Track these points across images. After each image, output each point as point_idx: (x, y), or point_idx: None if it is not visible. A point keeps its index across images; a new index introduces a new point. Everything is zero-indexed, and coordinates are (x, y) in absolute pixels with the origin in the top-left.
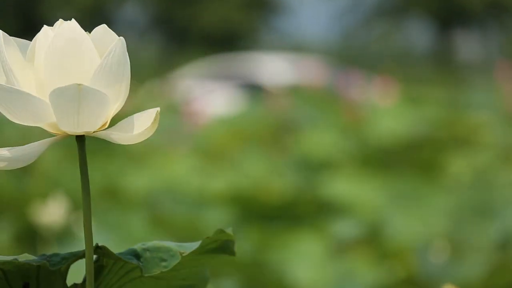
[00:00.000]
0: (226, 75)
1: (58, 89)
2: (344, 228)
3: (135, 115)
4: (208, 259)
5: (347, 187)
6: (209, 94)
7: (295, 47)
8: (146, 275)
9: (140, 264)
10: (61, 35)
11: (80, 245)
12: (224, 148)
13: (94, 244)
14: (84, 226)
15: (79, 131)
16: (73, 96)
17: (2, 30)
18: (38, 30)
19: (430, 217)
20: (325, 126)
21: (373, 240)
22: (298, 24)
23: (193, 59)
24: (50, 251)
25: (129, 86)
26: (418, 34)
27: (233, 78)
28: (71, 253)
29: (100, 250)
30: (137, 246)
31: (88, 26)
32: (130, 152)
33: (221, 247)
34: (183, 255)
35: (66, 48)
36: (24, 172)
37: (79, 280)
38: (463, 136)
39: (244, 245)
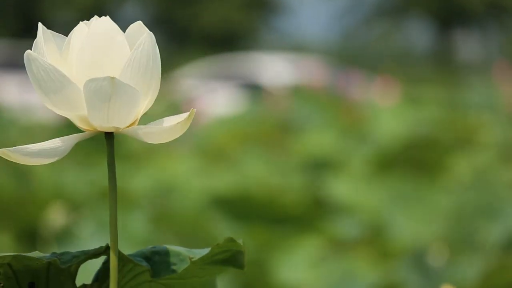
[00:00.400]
0: (226, 75)
1: (93, 79)
2: (345, 228)
3: (165, 117)
4: (217, 270)
5: (348, 187)
6: (209, 94)
7: (295, 47)
8: (154, 278)
9: (149, 267)
10: (95, 30)
11: (80, 246)
12: (225, 148)
13: (104, 244)
14: (110, 223)
15: (109, 125)
16: (106, 88)
17: (2, 30)
18: (38, 29)
19: (431, 217)
20: (325, 126)
21: (374, 241)
22: (298, 24)
23: (193, 59)
24: (50, 251)
25: (159, 83)
26: (418, 34)
27: (233, 78)
28: (82, 251)
29: (109, 250)
30: (147, 249)
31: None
32: (131, 152)
33: (230, 259)
34: (192, 260)
35: (100, 43)
36: (24, 173)
37: (88, 281)
38: (463, 136)
39: (247, 244)
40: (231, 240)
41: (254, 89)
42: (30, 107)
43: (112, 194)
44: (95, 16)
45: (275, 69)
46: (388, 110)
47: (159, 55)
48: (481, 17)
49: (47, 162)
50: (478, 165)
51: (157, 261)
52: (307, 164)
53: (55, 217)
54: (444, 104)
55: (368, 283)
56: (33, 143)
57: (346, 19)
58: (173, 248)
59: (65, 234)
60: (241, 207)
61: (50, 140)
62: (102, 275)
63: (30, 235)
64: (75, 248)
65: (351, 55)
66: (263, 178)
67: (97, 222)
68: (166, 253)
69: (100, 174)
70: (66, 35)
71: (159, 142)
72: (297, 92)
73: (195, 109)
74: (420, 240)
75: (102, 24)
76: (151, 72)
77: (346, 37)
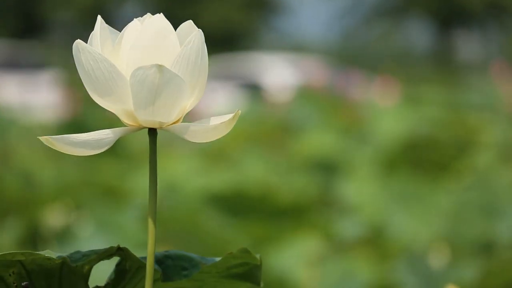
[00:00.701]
0: (226, 75)
1: (140, 68)
2: (345, 228)
3: (211, 117)
4: (233, 285)
5: (348, 187)
6: (209, 94)
7: (295, 47)
8: (165, 281)
9: (161, 270)
10: (148, 27)
11: (80, 246)
12: (225, 148)
13: (104, 244)
14: (148, 222)
15: (154, 119)
16: (153, 76)
17: (2, 30)
18: (38, 30)
19: (432, 217)
20: (325, 126)
21: (375, 240)
22: (298, 24)
23: None
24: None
25: (205, 83)
26: (418, 34)
27: (233, 78)
28: (92, 250)
29: (121, 252)
30: (159, 253)
31: (88, 26)
32: (131, 152)
33: (247, 274)
34: (205, 265)
35: (151, 40)
36: (26, 172)
37: (101, 283)
38: (464, 136)
39: (246, 244)
40: (246, 251)
41: (254, 89)
42: (30, 107)
43: (152, 193)
44: (148, 14)
45: (275, 69)
46: (388, 110)
47: (207, 54)
48: (481, 17)
49: (90, 154)
50: (479, 165)
51: (169, 265)
52: (307, 164)
53: (56, 217)
54: (444, 104)
55: (367, 283)
56: (33, 143)
57: (346, 19)
58: (185, 253)
59: (65, 234)
60: (241, 207)
61: (95, 131)
62: (116, 277)
63: (31, 236)
64: (75, 248)
65: (351, 55)
66: (263, 178)
67: (97, 222)
68: (179, 257)
69: (100, 174)
70: (66, 35)
71: (202, 141)
72: (297, 92)
73: (240, 111)
74: (420, 240)
75: (155, 22)
76: (199, 69)
77: (346, 37)
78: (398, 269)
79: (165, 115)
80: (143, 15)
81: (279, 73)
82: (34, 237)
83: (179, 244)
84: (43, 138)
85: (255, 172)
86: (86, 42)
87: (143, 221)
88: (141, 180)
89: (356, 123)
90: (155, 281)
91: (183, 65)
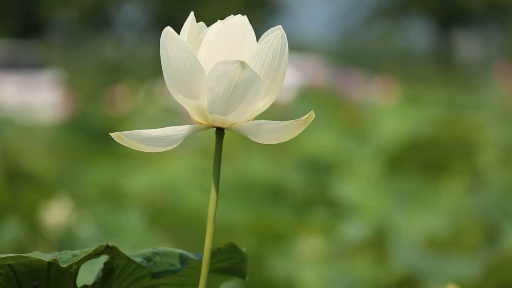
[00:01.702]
0: None
1: (222, 62)
2: (347, 228)
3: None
4: (218, 279)
5: (348, 187)
6: None
7: (295, 47)
8: (154, 278)
9: (150, 266)
10: (228, 26)
11: (81, 246)
12: (225, 148)
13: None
14: (208, 219)
15: (224, 117)
16: (233, 72)
17: (2, 30)
18: (38, 30)
19: (432, 217)
20: (325, 126)
21: (378, 241)
22: (298, 24)
23: None
24: (52, 252)
25: (281, 85)
26: (418, 34)
27: None
28: (82, 250)
29: (110, 250)
30: (147, 250)
31: (88, 26)
32: (131, 153)
33: (233, 268)
34: (193, 261)
35: (230, 38)
36: (26, 173)
37: (89, 282)
38: (463, 136)
39: (246, 242)
40: (233, 247)
41: None
42: (30, 107)
43: (215, 192)
44: (231, 15)
45: None
46: (388, 110)
47: (287, 56)
48: (481, 17)
49: (159, 150)
50: (479, 165)
51: (157, 262)
52: (308, 164)
53: (56, 217)
54: (444, 104)
55: (367, 282)
56: (33, 143)
57: (346, 19)
58: (173, 249)
59: (66, 235)
60: (242, 206)
61: (165, 128)
62: (103, 275)
63: (32, 237)
64: (76, 248)
65: (351, 55)
66: (264, 178)
67: (97, 222)
68: (167, 254)
69: (102, 174)
70: (66, 35)
71: (271, 142)
72: (298, 92)
73: (314, 112)
74: (421, 240)
75: (235, 21)
76: (275, 71)
77: (346, 37)
78: (399, 269)
79: (238, 114)
80: (143, 15)
81: None
82: (34, 237)
83: (178, 245)
84: (114, 135)
85: (255, 171)
86: (84, 44)
87: (144, 221)
88: (142, 180)
89: (356, 123)
90: (142, 277)
91: (258, 64)
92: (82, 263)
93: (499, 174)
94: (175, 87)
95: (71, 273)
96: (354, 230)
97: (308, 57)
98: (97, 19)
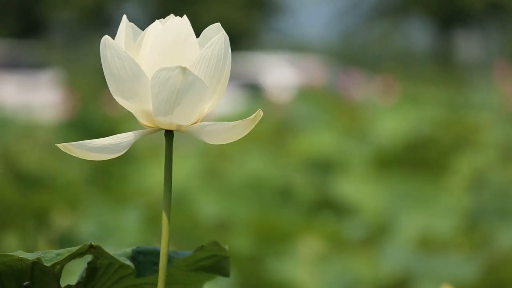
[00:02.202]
0: None
1: (163, 69)
2: (346, 227)
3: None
4: (202, 278)
5: (348, 187)
6: None
7: (295, 47)
8: (138, 277)
9: (133, 266)
10: (168, 28)
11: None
12: (225, 148)
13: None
14: (162, 226)
15: (172, 121)
16: (175, 78)
17: (2, 30)
18: (38, 30)
19: (432, 217)
20: (325, 126)
21: (377, 240)
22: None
23: None
24: None
25: (226, 87)
26: (418, 34)
27: (233, 78)
28: (66, 249)
29: (93, 249)
30: (131, 249)
31: (88, 26)
32: (131, 152)
33: (215, 266)
34: (176, 260)
35: (172, 41)
36: (26, 173)
37: (72, 282)
38: (463, 136)
39: (246, 242)
40: (216, 244)
41: (254, 89)
42: (30, 107)
43: (167, 196)
44: (171, 15)
45: (275, 69)
46: (388, 110)
47: (230, 58)
48: (481, 17)
49: (107, 158)
50: (479, 165)
51: (141, 260)
52: (308, 164)
53: (58, 218)
54: (444, 104)
55: (367, 282)
56: (33, 143)
57: (346, 19)
58: (157, 248)
59: (67, 235)
60: (243, 206)
61: (113, 136)
62: (87, 275)
63: (32, 236)
64: None
65: (351, 55)
66: (265, 177)
67: (99, 223)
68: (150, 253)
69: (102, 175)
70: (66, 35)
71: (220, 142)
72: (297, 92)
73: (261, 111)
74: (421, 240)
75: (176, 23)
76: (219, 73)
77: (346, 37)
78: (399, 268)
79: (184, 117)
80: (143, 15)
81: (279, 73)
82: (35, 238)
83: (184, 243)
84: (61, 145)
85: (255, 171)
86: (84, 44)
87: (145, 222)
88: (143, 180)
89: (356, 123)
90: (125, 276)
91: (203, 68)
92: (65, 263)
93: (499, 174)
94: (119, 94)
95: (55, 273)
96: (352, 229)
97: (308, 57)
98: (97, 19)
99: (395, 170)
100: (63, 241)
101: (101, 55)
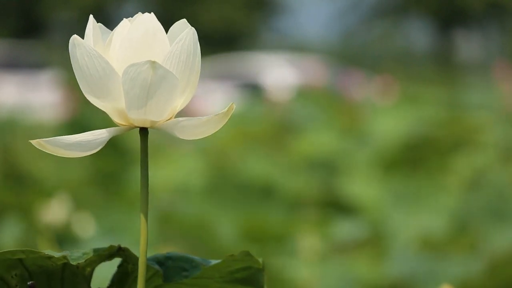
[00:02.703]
0: (226, 75)
1: (133, 64)
2: (346, 228)
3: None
4: None
5: (348, 187)
6: (209, 94)
7: (295, 47)
8: (166, 282)
9: (162, 271)
10: (137, 26)
11: (82, 246)
12: (225, 148)
13: (106, 245)
14: (141, 222)
15: (145, 118)
16: (146, 72)
17: (3, 30)
18: (38, 30)
19: (431, 217)
20: (325, 126)
21: (376, 240)
22: (298, 24)
23: None
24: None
25: (197, 82)
26: (418, 34)
27: (233, 78)
28: (92, 249)
29: (122, 252)
30: (160, 254)
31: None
32: (132, 152)
33: (250, 278)
34: (205, 267)
35: (141, 37)
36: (26, 173)
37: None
38: (463, 136)
39: (246, 242)
40: (248, 255)
41: (254, 89)
42: (30, 107)
43: (144, 193)
44: (139, 13)
45: (275, 69)
46: (388, 110)
47: (199, 52)
48: (481, 17)
49: (82, 155)
50: (478, 165)
51: (169, 266)
52: (307, 164)
53: (57, 217)
54: (444, 104)
55: (367, 283)
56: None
57: (346, 19)
58: (186, 255)
59: (66, 234)
60: (241, 206)
61: (86, 133)
62: (118, 279)
63: (31, 235)
64: (76, 248)
65: (351, 55)
66: (265, 177)
67: (98, 221)
68: (179, 258)
69: (101, 173)
70: (66, 35)
71: (194, 137)
72: (297, 92)
73: (234, 104)
74: (420, 240)
75: (144, 20)
76: (190, 68)
77: (346, 37)
78: (399, 268)
79: (157, 113)
80: None
81: (279, 73)
82: (34, 237)
83: (182, 245)
84: (34, 142)
85: (256, 171)
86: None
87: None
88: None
89: (356, 123)
90: (158, 285)
91: (173, 63)
92: (95, 265)
93: (499, 174)
94: (91, 93)
95: (85, 275)
96: (352, 229)
97: (308, 57)
98: (97, 19)
99: (395, 170)
100: (63, 241)
101: (70, 55)
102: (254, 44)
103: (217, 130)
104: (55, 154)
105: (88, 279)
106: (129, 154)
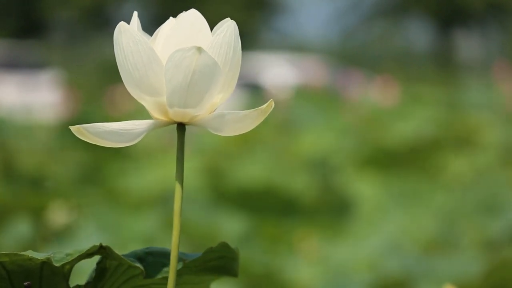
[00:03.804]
0: None
1: (178, 50)
2: (346, 227)
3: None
4: (210, 278)
5: (348, 187)
6: None
7: (295, 47)
8: (147, 278)
9: (142, 267)
10: (182, 21)
11: (82, 246)
12: (225, 148)
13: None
14: (174, 220)
15: (186, 109)
16: (191, 58)
17: (3, 30)
18: (38, 30)
19: (431, 216)
20: (325, 126)
21: (377, 240)
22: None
23: None
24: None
25: (236, 78)
26: (418, 34)
27: None
28: (76, 250)
29: (103, 250)
30: (140, 250)
31: (88, 26)
32: (133, 153)
33: (224, 266)
34: (186, 262)
35: (186, 32)
36: (27, 173)
37: (81, 282)
38: (463, 136)
39: (246, 242)
40: (225, 246)
41: (254, 89)
42: (30, 107)
43: (179, 191)
44: (184, 11)
45: (275, 69)
46: (388, 110)
47: (240, 48)
48: (481, 17)
49: (119, 145)
50: (478, 164)
51: (150, 262)
52: (307, 163)
53: (58, 217)
54: (444, 104)
55: (366, 282)
56: (33, 143)
57: (346, 19)
58: (166, 249)
59: (67, 234)
60: (242, 207)
61: (126, 121)
62: (96, 275)
63: (32, 235)
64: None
65: (351, 55)
66: (262, 177)
67: (98, 221)
68: (160, 254)
69: (102, 174)
70: (66, 35)
71: (232, 133)
72: (297, 91)
73: (273, 100)
74: (420, 240)
75: (189, 16)
76: (231, 62)
77: (346, 37)
78: (398, 267)
79: (197, 105)
80: (143, 15)
81: (279, 73)
82: (35, 237)
83: (183, 244)
84: (73, 128)
85: (256, 171)
86: (84, 44)
87: (146, 221)
88: (144, 179)
89: (355, 123)
90: (134, 277)
91: (214, 55)
92: (75, 263)
93: (499, 174)
94: (132, 82)
95: (64, 273)
96: (353, 229)
97: (308, 57)
98: (97, 19)
99: (394, 169)
100: (64, 241)
101: (114, 42)
102: (254, 44)
103: (254, 126)
104: (92, 142)
105: (67, 276)
106: (131, 156)
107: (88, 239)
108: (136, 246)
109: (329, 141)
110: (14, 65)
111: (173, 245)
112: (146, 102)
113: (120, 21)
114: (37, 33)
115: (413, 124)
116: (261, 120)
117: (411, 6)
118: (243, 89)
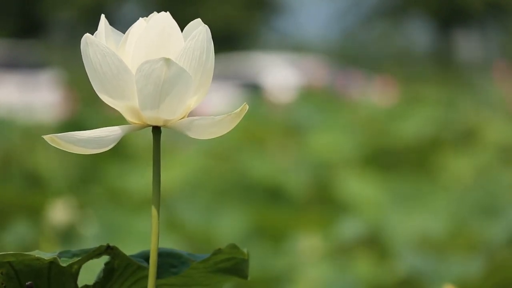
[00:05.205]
0: (226, 75)
1: (147, 61)
2: (346, 227)
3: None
4: (221, 279)
5: (348, 187)
6: (209, 94)
7: (295, 47)
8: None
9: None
10: (153, 25)
11: (85, 245)
12: (225, 148)
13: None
14: (152, 222)
15: (159, 116)
16: (160, 69)
17: (3, 30)
18: (38, 30)
19: (431, 217)
20: (325, 126)
21: (377, 240)
22: (298, 24)
23: None
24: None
25: (210, 80)
26: (418, 34)
27: (233, 78)
28: (82, 250)
29: (111, 250)
30: (148, 251)
31: (88, 26)
32: (134, 153)
33: (234, 268)
34: (194, 262)
35: (156, 36)
36: (27, 173)
37: (90, 282)
38: (463, 136)
39: (246, 242)
40: (234, 247)
41: (254, 89)
42: (30, 107)
43: (156, 192)
44: (154, 12)
45: (275, 69)
46: (388, 110)
47: (213, 50)
48: (481, 17)
49: (93, 152)
50: (478, 164)
51: (158, 263)
52: (307, 164)
53: (59, 217)
54: (444, 104)
55: (366, 282)
56: (33, 143)
57: (346, 19)
58: (174, 250)
59: (69, 234)
60: (245, 206)
61: (99, 129)
62: (104, 276)
63: (34, 235)
64: (79, 248)
65: (351, 55)
66: (263, 177)
67: (101, 222)
68: (168, 255)
69: (104, 174)
70: (66, 35)
71: (207, 137)
72: (297, 92)
73: (247, 105)
74: (420, 240)
75: (160, 19)
76: (204, 66)
77: (346, 37)
78: (398, 268)
79: (170, 111)
80: (143, 15)
81: (279, 73)
82: (37, 237)
83: (186, 246)
84: (47, 137)
85: (256, 171)
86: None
87: (146, 221)
88: (145, 179)
89: (356, 123)
90: (143, 278)
91: (187, 60)
92: (83, 263)
93: (499, 174)
94: (104, 92)
95: (72, 273)
96: (353, 229)
97: (308, 57)
98: (97, 19)
99: (395, 170)
100: (66, 241)
101: (82, 54)
102: (254, 44)
103: (229, 130)
104: (66, 150)
105: (75, 276)
106: (132, 156)
107: (88, 239)
108: (136, 246)
109: (329, 141)
110: (14, 65)
111: (152, 252)
112: (119, 107)
113: (120, 21)
114: (37, 33)
115: (413, 124)
116: (236, 123)
117: (411, 6)
118: (243, 89)
